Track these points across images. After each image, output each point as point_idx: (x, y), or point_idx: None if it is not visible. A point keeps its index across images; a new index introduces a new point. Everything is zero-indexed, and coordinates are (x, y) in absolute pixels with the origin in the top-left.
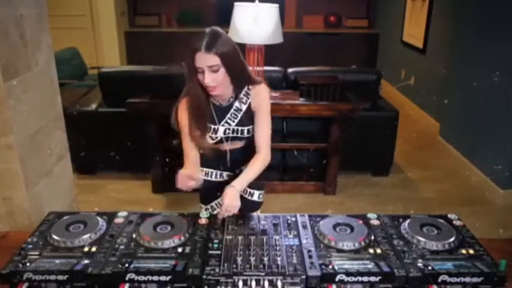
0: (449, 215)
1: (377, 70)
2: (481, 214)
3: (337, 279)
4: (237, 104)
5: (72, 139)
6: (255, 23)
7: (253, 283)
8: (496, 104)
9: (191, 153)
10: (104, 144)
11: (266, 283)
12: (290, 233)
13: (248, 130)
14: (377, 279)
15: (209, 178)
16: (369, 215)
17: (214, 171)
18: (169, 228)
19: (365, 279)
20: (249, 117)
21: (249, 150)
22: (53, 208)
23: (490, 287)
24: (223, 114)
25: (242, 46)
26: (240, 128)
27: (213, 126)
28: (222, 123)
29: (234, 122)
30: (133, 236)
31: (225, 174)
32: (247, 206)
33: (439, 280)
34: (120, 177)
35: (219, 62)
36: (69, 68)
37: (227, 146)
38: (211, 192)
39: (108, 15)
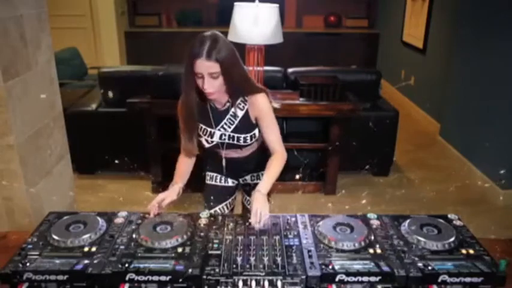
0: (449, 215)
1: (377, 70)
2: (481, 214)
3: (337, 279)
4: (233, 109)
5: (72, 139)
6: (255, 23)
7: (253, 283)
8: (496, 104)
9: (181, 168)
10: (103, 144)
11: (266, 283)
12: (290, 233)
13: (245, 138)
14: (377, 279)
15: (213, 182)
16: (369, 215)
17: (219, 176)
18: (169, 228)
19: (365, 279)
20: (245, 125)
21: (247, 162)
22: (53, 208)
23: (490, 287)
24: (220, 118)
25: (242, 46)
26: (236, 135)
27: (209, 129)
28: (219, 127)
29: (230, 127)
30: (133, 236)
31: (229, 180)
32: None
33: (439, 280)
34: (120, 177)
35: (219, 69)
36: (69, 68)
37: (223, 153)
38: (216, 196)
39: (108, 15)
